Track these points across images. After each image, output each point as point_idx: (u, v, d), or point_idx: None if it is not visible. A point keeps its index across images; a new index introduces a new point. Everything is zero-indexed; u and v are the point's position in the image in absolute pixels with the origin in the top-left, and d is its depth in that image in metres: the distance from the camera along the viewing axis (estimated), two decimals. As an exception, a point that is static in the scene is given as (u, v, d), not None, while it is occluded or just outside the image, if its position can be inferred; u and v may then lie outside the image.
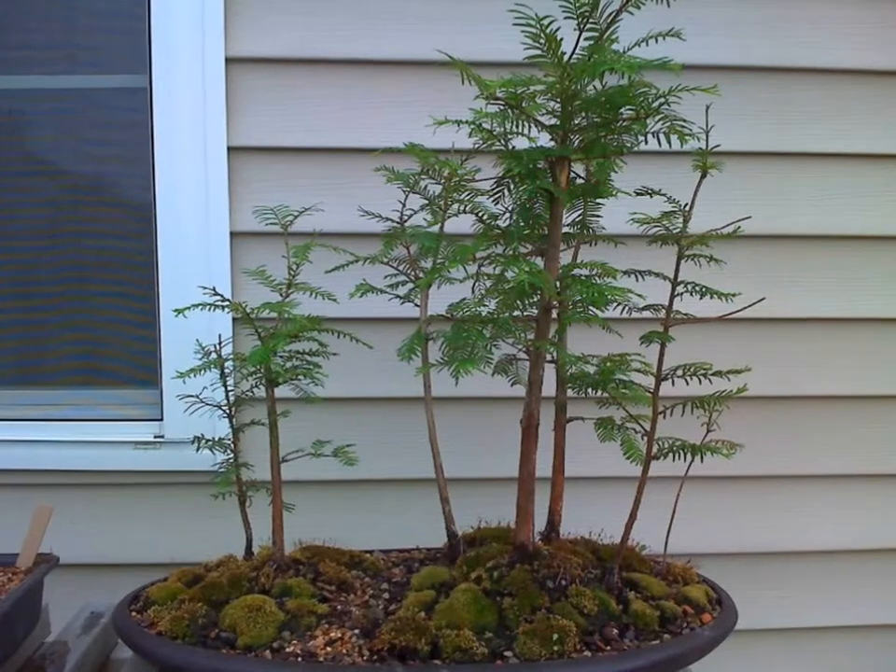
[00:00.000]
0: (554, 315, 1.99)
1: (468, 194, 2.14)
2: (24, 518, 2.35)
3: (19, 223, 2.98)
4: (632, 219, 2.07)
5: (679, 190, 2.07)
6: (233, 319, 2.74)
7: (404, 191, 2.20)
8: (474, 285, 2.17)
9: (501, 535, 2.21)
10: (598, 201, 2.19)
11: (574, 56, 1.76)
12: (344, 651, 1.79)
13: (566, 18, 1.71)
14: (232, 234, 2.77)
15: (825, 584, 3.06)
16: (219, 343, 2.19)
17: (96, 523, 2.85)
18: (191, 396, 2.17)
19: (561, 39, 1.72)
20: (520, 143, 1.92)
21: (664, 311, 2.06)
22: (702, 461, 2.02)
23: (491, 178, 2.06)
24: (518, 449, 2.02)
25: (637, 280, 2.13)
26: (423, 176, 2.17)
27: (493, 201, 2.11)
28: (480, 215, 2.15)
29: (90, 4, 2.90)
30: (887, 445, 3.02)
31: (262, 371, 2.11)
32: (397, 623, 1.81)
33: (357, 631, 1.87)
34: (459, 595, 1.91)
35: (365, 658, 1.77)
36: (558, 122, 1.88)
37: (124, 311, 2.96)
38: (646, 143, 1.90)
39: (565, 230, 2.08)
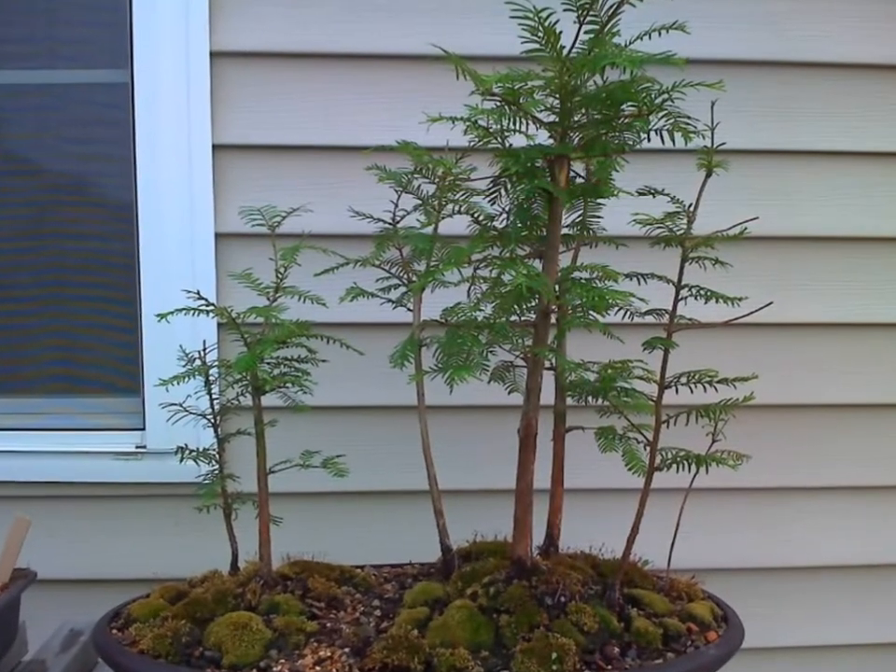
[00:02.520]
0: (553, 319, 1.99)
1: (463, 194, 2.14)
2: (0, 531, 2.35)
3: (-5, 224, 2.98)
4: (634, 220, 2.07)
5: (683, 190, 2.07)
6: (218, 324, 2.73)
7: (396, 191, 2.20)
8: (470, 288, 2.17)
9: (498, 549, 2.21)
10: (599, 201, 2.19)
11: (574, 50, 1.76)
12: (334, 670, 1.78)
13: (565, 10, 1.71)
14: (217, 236, 2.77)
15: (838, 600, 3.06)
16: (204, 350, 2.18)
17: (76, 536, 2.84)
18: (175, 404, 2.17)
19: (560, 32, 1.72)
20: (517, 141, 1.92)
21: (667, 316, 2.06)
22: (707, 472, 2.02)
23: (487, 177, 2.06)
24: (515, 460, 2.02)
25: (640, 283, 2.13)
26: (416, 176, 2.17)
27: (489, 201, 2.10)
28: (475, 215, 2.15)
29: (69, -5, 2.91)
30: (900, 455, 3.03)
31: (249, 378, 2.11)
32: (389, 641, 1.81)
33: (347, 650, 1.86)
34: (454, 612, 1.90)
35: (356, 678, 1.77)
36: (557, 119, 1.88)
37: (105, 315, 2.96)
38: (648, 140, 1.90)
39: (564, 231, 2.08)
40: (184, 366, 2.15)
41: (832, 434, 3.00)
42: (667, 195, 2.06)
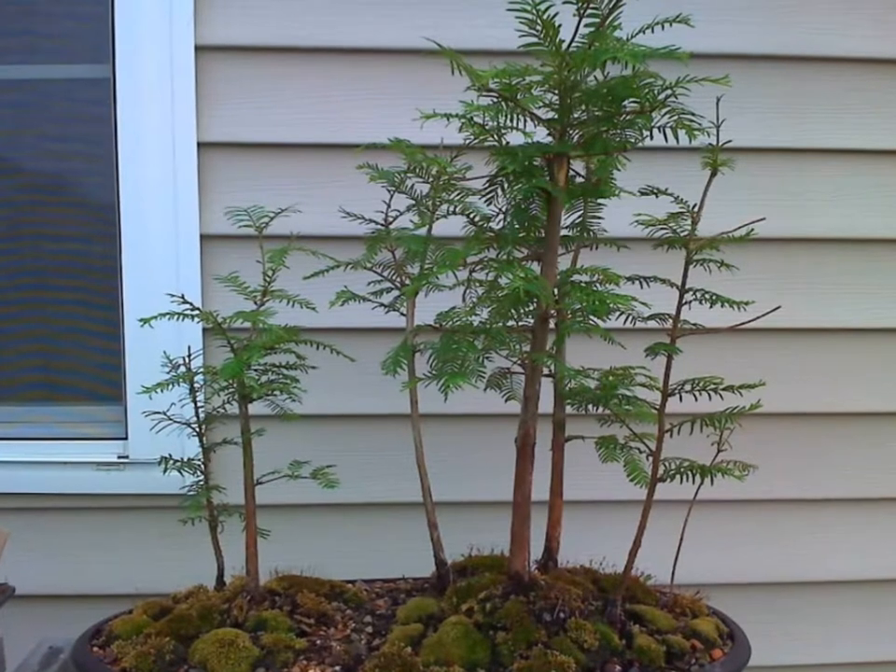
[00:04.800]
0: (552, 324, 1.99)
1: (458, 194, 2.14)
2: (-24, 546, 2.35)
3: (-29, 225, 2.98)
4: (636, 221, 2.07)
5: (688, 190, 2.06)
6: (204, 330, 2.73)
7: (389, 191, 2.20)
8: (465, 292, 2.17)
9: (494, 563, 2.21)
10: (600, 201, 2.19)
11: (573, 44, 1.76)
12: (324, 689, 1.79)
13: (564, 3, 1.71)
14: (203, 237, 2.77)
15: (847, 617, 3.06)
16: (189, 356, 2.19)
17: (55, 550, 2.84)
18: (158, 413, 2.16)
19: (559, 26, 1.72)
20: (515, 138, 1.92)
21: (670, 320, 2.06)
22: (712, 483, 2.02)
23: (483, 177, 2.06)
24: (512, 470, 2.02)
25: (642, 287, 2.13)
26: (409, 175, 2.16)
27: (485, 201, 2.10)
28: (471, 216, 2.15)
29: (48, -13, 2.90)
30: (913, 466, 3.03)
31: (235, 385, 2.11)
32: (381, 659, 1.81)
33: (337, 668, 1.87)
34: (449, 629, 1.90)
35: (346, 698, 1.77)
36: (556, 116, 1.88)
37: (85, 320, 2.95)
38: (651, 138, 1.90)
39: (563, 232, 2.08)
40: (168, 373, 2.15)
41: (843, 444, 3.00)
42: (671, 195, 2.06)
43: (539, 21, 1.71)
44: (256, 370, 2.13)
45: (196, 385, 2.18)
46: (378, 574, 2.45)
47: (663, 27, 1.79)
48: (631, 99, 1.81)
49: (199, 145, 2.75)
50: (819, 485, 3.00)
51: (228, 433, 2.23)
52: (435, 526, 2.18)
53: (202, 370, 2.23)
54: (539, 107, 1.86)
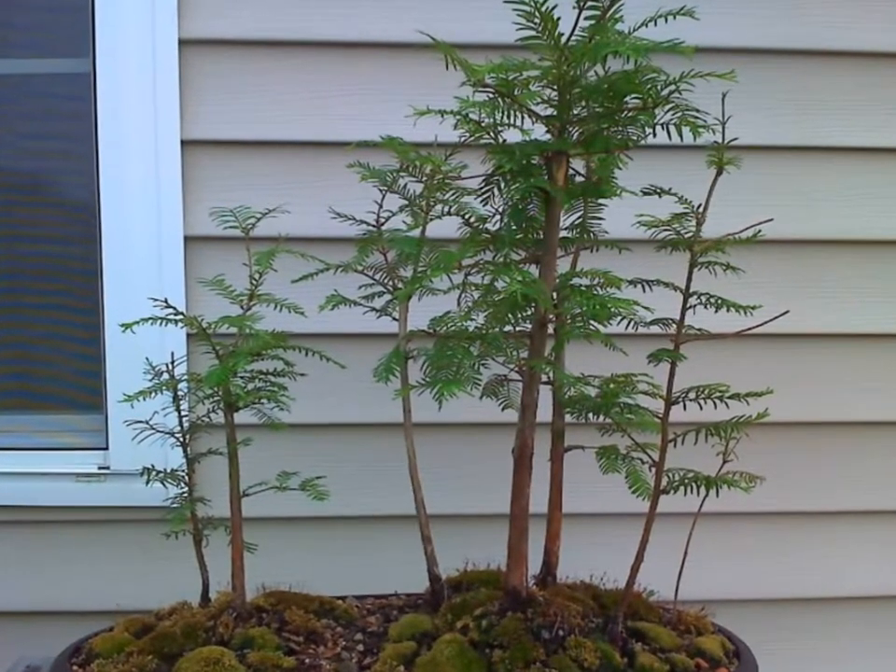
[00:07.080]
0: (551, 330, 1.99)
1: (452, 194, 2.14)
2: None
3: (-55, 226, 2.98)
4: (638, 222, 2.07)
5: (692, 190, 2.06)
6: (188, 335, 2.73)
7: (381, 190, 2.20)
8: (460, 296, 2.17)
9: (491, 579, 2.21)
10: (600, 201, 2.19)
11: (573, 38, 1.76)
12: (313, 710, 1.79)
13: (563, -6, 1.72)
14: (187, 239, 2.77)
15: (858, 635, 3.06)
16: (172, 362, 2.18)
17: (33, 565, 2.84)
18: (140, 422, 2.16)
19: (558, 18, 1.72)
20: (512, 136, 1.92)
21: (674, 325, 2.06)
22: (717, 495, 2.02)
23: (479, 176, 2.06)
24: (509, 482, 2.02)
25: (645, 291, 2.13)
26: (402, 174, 2.17)
27: (481, 201, 2.10)
28: (466, 217, 2.14)
29: (26, -22, 2.91)
30: (928, 476, 3.03)
31: (220, 393, 2.10)
32: (372, 678, 1.81)
33: (327, 688, 1.87)
34: (443, 647, 1.90)
35: (336, 719, 1.77)
36: (555, 113, 1.88)
37: (64, 325, 2.95)
38: (654, 136, 1.90)
39: (563, 234, 2.08)
40: (150, 380, 2.15)
41: (853, 454, 3.00)
42: (674, 195, 2.06)
43: (537, 14, 1.71)
44: (242, 377, 2.13)
45: (180, 392, 2.19)
46: (370, 590, 2.45)
47: (666, 20, 1.79)
48: (633, 95, 1.81)
49: (183, 142, 2.75)
50: (830, 498, 3.00)
51: (213, 443, 2.23)
52: (429, 540, 2.18)
53: (185, 377, 2.23)
54: (538, 104, 1.86)
